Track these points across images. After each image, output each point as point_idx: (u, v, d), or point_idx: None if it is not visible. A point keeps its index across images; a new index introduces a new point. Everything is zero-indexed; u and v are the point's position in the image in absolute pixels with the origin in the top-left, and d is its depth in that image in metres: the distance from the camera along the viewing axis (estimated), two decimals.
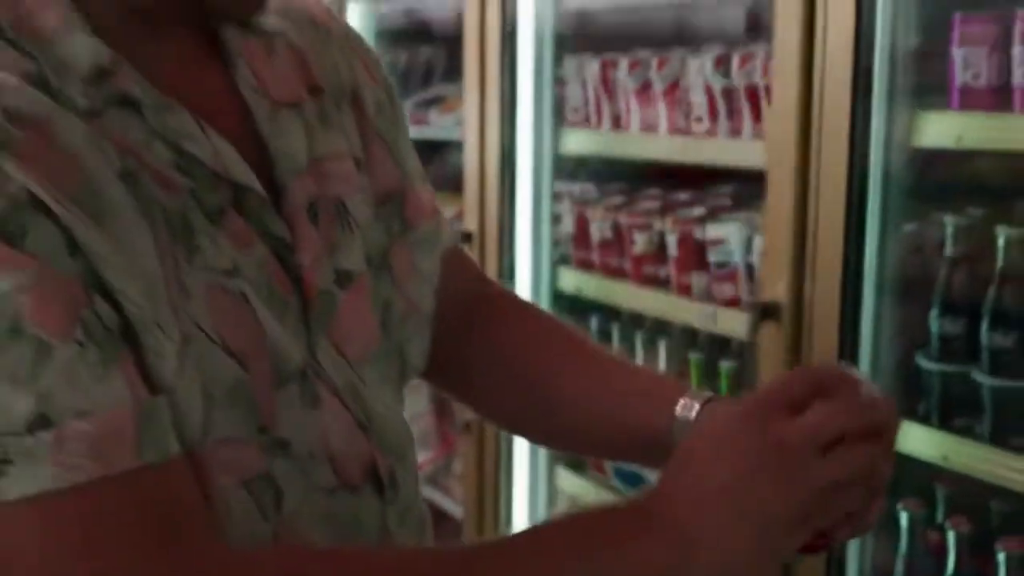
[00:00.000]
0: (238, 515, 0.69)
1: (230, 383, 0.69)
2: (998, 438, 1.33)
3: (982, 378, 1.34)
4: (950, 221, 1.37)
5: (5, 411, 0.58)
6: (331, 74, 0.85)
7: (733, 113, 1.71)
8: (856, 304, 1.38)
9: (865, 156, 1.36)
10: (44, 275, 0.59)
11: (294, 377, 0.73)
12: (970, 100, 1.33)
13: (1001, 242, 1.31)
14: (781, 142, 1.44)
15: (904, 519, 1.41)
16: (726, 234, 1.72)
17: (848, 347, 1.39)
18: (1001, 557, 1.29)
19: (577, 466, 2.16)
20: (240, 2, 0.73)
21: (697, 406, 0.84)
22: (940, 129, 1.35)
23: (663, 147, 1.87)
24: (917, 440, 1.39)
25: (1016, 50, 1.27)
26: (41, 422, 0.58)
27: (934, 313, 1.38)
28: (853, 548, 1.46)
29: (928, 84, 1.37)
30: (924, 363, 1.41)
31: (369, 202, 0.84)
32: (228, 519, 0.68)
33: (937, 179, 1.42)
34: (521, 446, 2.20)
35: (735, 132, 1.70)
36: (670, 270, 1.86)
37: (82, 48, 0.67)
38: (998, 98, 1.30)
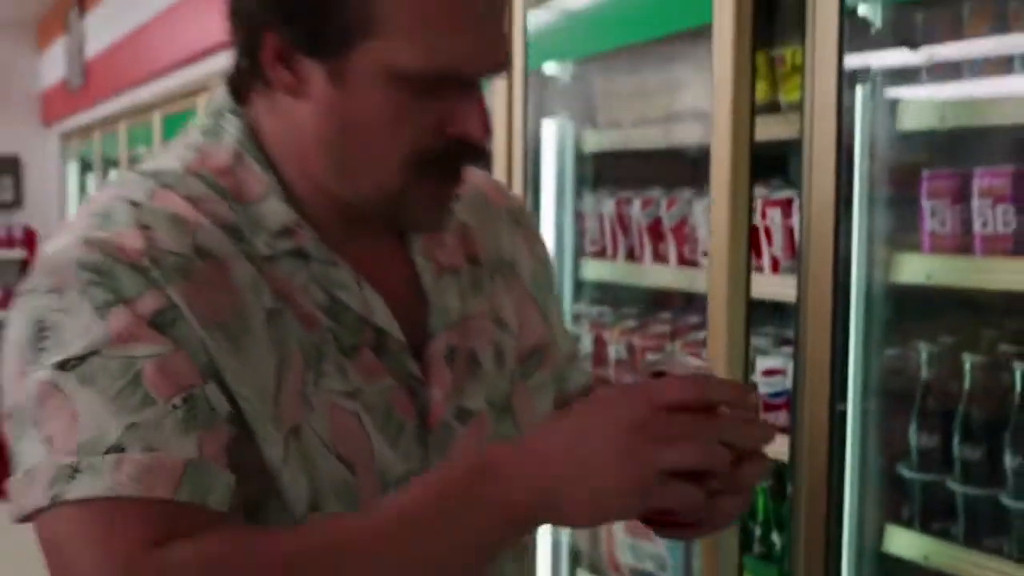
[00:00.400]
0: None
1: (339, 482, 0.90)
2: (971, 540, 1.51)
3: (955, 486, 1.52)
4: (924, 348, 1.57)
5: (97, 435, 0.81)
6: (492, 247, 1.08)
7: None
8: (843, 421, 1.57)
9: (848, 289, 1.56)
10: (172, 356, 0.84)
11: (395, 486, 0.92)
12: (937, 244, 1.54)
13: (967, 367, 1.51)
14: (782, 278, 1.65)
15: None
16: None
17: (836, 458, 1.57)
18: None
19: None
20: (431, 224, 0.97)
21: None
22: (913, 268, 1.56)
23: (673, 277, 2.09)
24: (900, 542, 1.56)
25: (974, 202, 1.49)
26: (116, 448, 0.81)
27: (912, 428, 1.57)
28: None
29: (902, 229, 1.58)
30: (905, 473, 1.59)
31: (509, 354, 1.05)
32: None
33: (912, 311, 1.62)
34: None
35: None
36: None
37: (274, 211, 0.93)
38: (961, 243, 1.51)
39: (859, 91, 1.55)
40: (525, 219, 1.17)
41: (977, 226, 1.49)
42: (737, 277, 1.66)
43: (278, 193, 0.94)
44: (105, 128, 6.40)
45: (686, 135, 2.04)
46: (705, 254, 1.99)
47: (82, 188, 7.52)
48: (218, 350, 0.86)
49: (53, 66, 7.96)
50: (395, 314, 0.96)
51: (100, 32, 6.36)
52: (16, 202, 8.44)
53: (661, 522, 0.88)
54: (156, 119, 5.17)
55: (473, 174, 1.04)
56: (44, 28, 8.28)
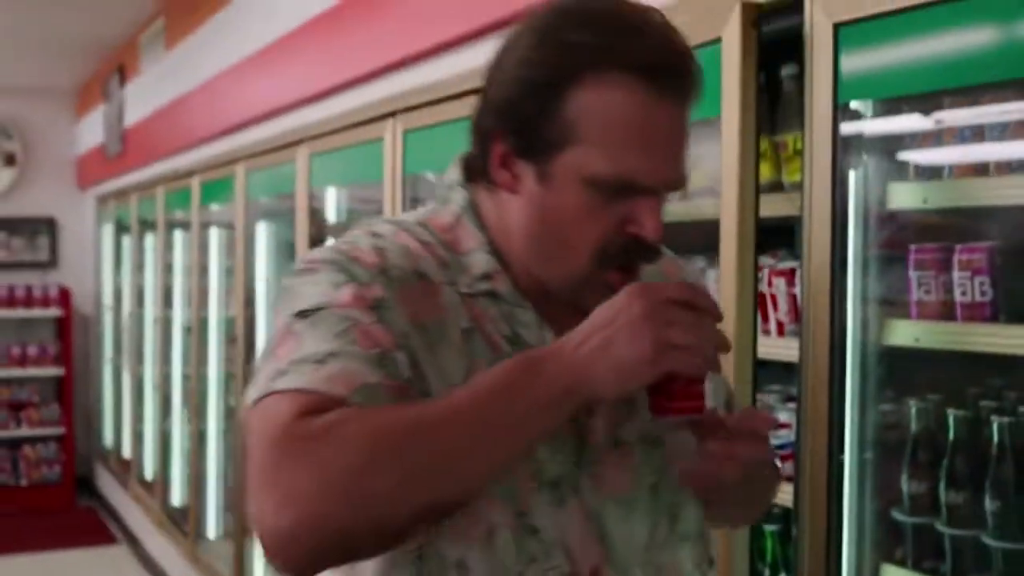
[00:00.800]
0: (498, 548, 1.13)
1: (494, 488, 1.13)
2: None
3: (943, 528, 1.69)
4: (913, 404, 1.75)
5: (309, 354, 1.07)
6: None
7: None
8: (841, 470, 1.75)
9: (844, 351, 1.74)
10: (377, 327, 1.10)
11: (547, 485, 1.16)
12: (923, 311, 1.72)
13: (951, 421, 1.69)
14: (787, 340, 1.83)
15: None
16: None
17: (836, 504, 1.74)
18: None
19: None
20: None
21: None
22: (903, 332, 1.74)
23: None
24: None
25: (955, 274, 1.67)
26: (318, 362, 1.06)
27: (904, 476, 1.75)
28: None
29: (892, 296, 1.77)
30: (898, 516, 1.76)
31: None
32: (491, 545, 1.13)
33: (903, 370, 1.80)
34: None
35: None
36: None
37: (479, 261, 1.20)
38: (944, 310, 1.70)
39: (852, 175, 1.75)
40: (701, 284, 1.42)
41: (958, 295, 1.67)
42: (744, 339, 1.84)
43: (485, 248, 1.21)
44: (142, 192, 6.64)
45: (702, 209, 2.22)
46: None
47: (117, 248, 7.75)
48: (416, 344, 1.13)
49: (90, 132, 8.24)
50: None
51: (139, 101, 6.63)
52: (52, 262, 8.69)
53: (669, 391, 1.09)
54: (195, 184, 5.39)
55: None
56: (83, 96, 8.58)
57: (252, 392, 1.09)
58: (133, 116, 6.78)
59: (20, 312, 8.28)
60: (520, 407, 1.05)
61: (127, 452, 7.36)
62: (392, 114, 3.13)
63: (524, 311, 1.20)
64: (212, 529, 5.48)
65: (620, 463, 1.22)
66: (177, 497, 6.11)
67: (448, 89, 2.80)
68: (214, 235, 5.46)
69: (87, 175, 8.50)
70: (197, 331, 5.55)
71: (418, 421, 1.04)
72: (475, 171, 1.23)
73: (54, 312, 8.38)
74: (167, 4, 5.83)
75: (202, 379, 5.53)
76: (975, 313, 1.66)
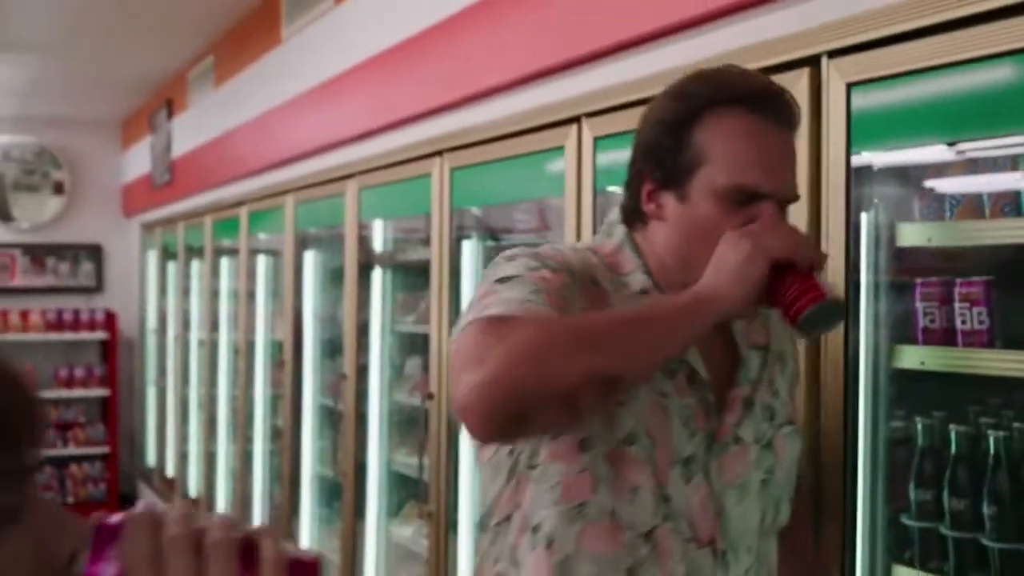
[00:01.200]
0: (639, 504, 1.46)
1: (646, 447, 1.44)
2: (960, 575, 1.87)
3: (946, 532, 1.89)
4: (919, 420, 1.95)
5: (510, 296, 1.38)
6: (776, 340, 1.63)
7: None
8: (853, 480, 1.96)
9: (857, 373, 1.96)
10: (560, 299, 1.42)
11: (680, 463, 1.46)
12: (928, 337, 1.93)
13: (953, 436, 1.89)
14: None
15: None
16: None
17: (850, 511, 1.95)
18: None
19: None
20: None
21: None
22: (910, 357, 1.95)
23: None
24: None
25: (956, 305, 1.88)
26: (518, 301, 1.38)
27: (912, 485, 1.95)
28: None
29: (901, 324, 1.98)
30: (906, 521, 1.97)
31: (779, 414, 1.61)
32: (634, 502, 1.46)
33: (910, 391, 2.01)
34: None
35: None
36: None
37: (637, 280, 1.53)
38: (946, 336, 1.91)
39: (864, 217, 1.97)
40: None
41: (959, 323, 1.88)
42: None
43: (642, 270, 1.55)
44: (189, 220, 6.91)
45: None
46: None
47: (162, 274, 8.03)
48: None
49: (135, 162, 8.54)
50: (710, 365, 1.51)
51: (187, 134, 6.91)
52: (98, 287, 8.98)
53: (787, 289, 1.41)
54: (243, 213, 5.65)
55: None
56: (128, 128, 8.89)
57: (456, 329, 1.40)
58: (180, 148, 7.06)
59: (67, 335, 8.56)
60: (665, 311, 1.42)
61: (171, 471, 7.61)
62: (440, 152, 3.37)
63: None
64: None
65: (739, 457, 1.53)
66: (193, 489, 6.33)
67: (492, 131, 3.04)
68: (261, 262, 5.71)
69: (132, 203, 8.80)
70: (244, 354, 5.79)
71: (589, 318, 1.41)
72: (629, 215, 1.58)
73: (100, 335, 8.65)
74: (216, 44, 6.11)
75: (248, 400, 5.77)
76: (974, 339, 1.86)
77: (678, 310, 1.40)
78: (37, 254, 8.84)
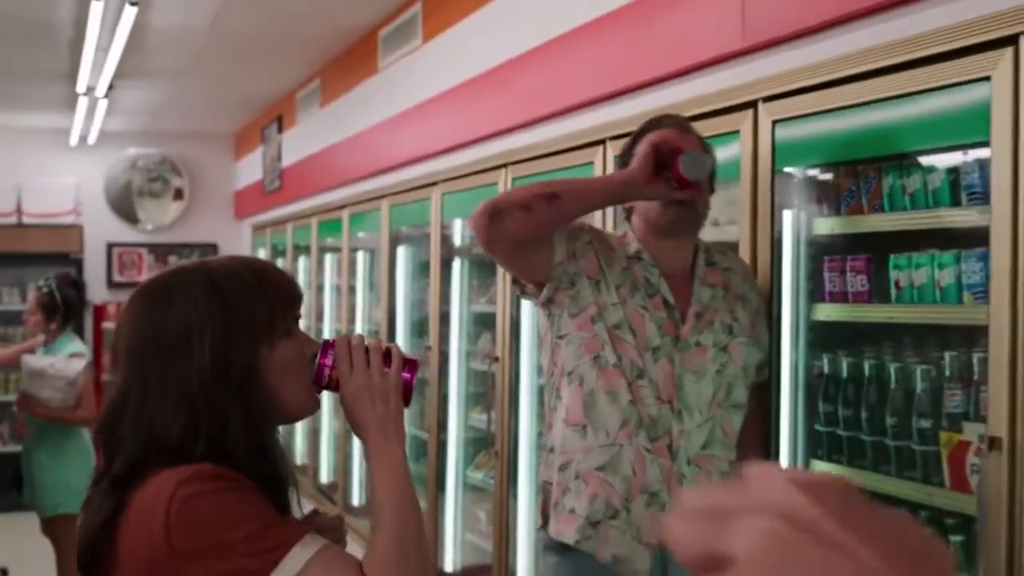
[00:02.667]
0: (625, 366, 2.39)
1: (629, 334, 2.39)
2: (856, 465, 2.70)
3: (841, 433, 2.71)
4: (825, 356, 2.78)
5: None
6: (739, 288, 2.53)
7: None
8: (778, 400, 2.79)
9: (780, 324, 2.79)
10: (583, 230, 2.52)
11: (650, 349, 2.40)
12: (832, 298, 2.76)
13: (845, 366, 2.71)
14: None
15: None
16: None
17: (774, 424, 2.78)
18: None
19: None
20: (687, 225, 2.50)
21: None
22: (821, 312, 2.78)
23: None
24: (818, 470, 2.76)
25: (847, 275, 2.71)
26: None
27: (820, 401, 2.78)
28: None
29: (815, 290, 2.81)
30: (818, 428, 2.79)
31: (737, 329, 2.53)
32: (620, 364, 2.41)
33: (823, 336, 2.84)
34: None
35: None
36: None
37: (635, 248, 2.47)
38: (843, 297, 2.73)
39: (788, 213, 2.80)
40: (752, 277, 2.70)
41: (849, 287, 2.71)
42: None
43: (636, 241, 2.53)
44: (297, 221, 7.91)
45: (728, 233, 3.28)
46: None
47: None
48: (603, 260, 2.47)
49: (247, 171, 9.60)
50: (677, 297, 2.44)
51: (295, 146, 7.91)
52: None
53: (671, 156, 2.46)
54: (345, 215, 6.60)
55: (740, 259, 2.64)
56: (240, 140, 9.96)
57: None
58: (290, 158, 8.06)
59: None
60: (597, 183, 2.63)
61: (300, 458, 8.58)
62: (504, 165, 4.26)
63: (650, 268, 2.47)
64: (356, 498, 6.64)
65: (698, 354, 2.45)
66: (325, 475, 7.30)
67: (546, 148, 3.92)
68: (360, 258, 6.65)
69: (244, 207, 9.85)
70: None
71: (554, 181, 2.50)
72: (627, 213, 2.62)
73: None
74: (322, 70, 7.09)
75: None
76: (859, 298, 2.69)
77: (605, 184, 2.49)
78: (160, 253, 9.93)
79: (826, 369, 2.79)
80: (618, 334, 2.43)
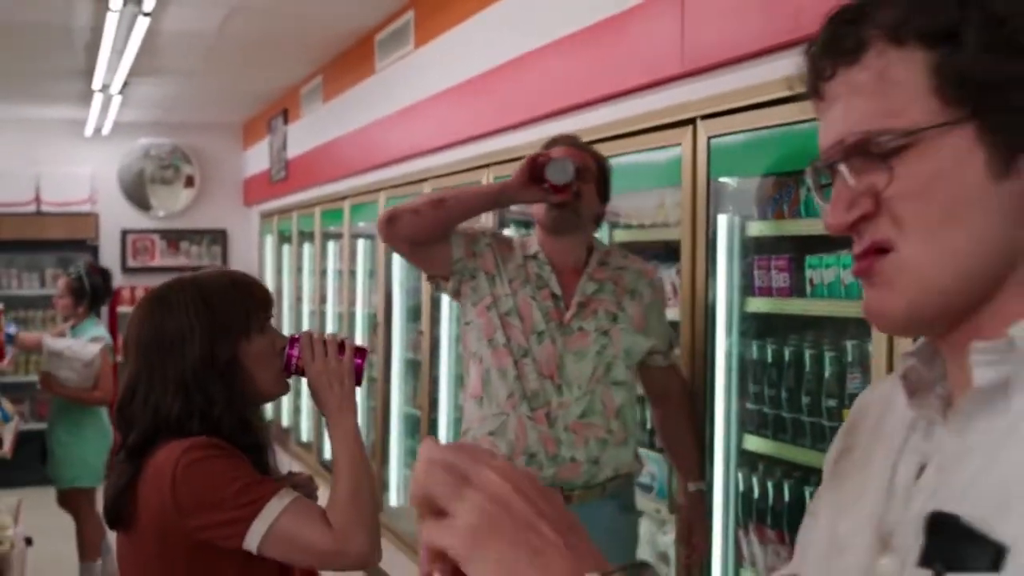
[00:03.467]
0: (513, 347, 2.83)
1: (518, 319, 2.81)
2: (781, 439, 3.08)
3: (768, 411, 3.09)
4: (754, 343, 3.16)
5: None
6: (632, 283, 2.92)
7: None
8: (713, 381, 3.17)
9: (715, 316, 3.17)
10: (481, 234, 2.97)
11: (536, 333, 2.81)
12: (761, 292, 3.14)
13: (770, 352, 3.10)
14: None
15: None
16: None
17: (710, 399, 3.17)
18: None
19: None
20: (567, 225, 2.87)
21: None
22: (752, 304, 3.16)
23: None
24: (751, 443, 3.15)
25: (772, 272, 3.09)
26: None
27: (751, 384, 3.16)
28: None
29: (747, 285, 3.18)
30: (749, 406, 3.18)
31: (622, 319, 2.90)
32: (509, 345, 2.86)
33: (755, 326, 3.22)
34: None
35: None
36: None
37: (534, 249, 2.93)
38: (769, 291, 3.11)
39: (723, 218, 3.18)
40: (649, 273, 3.04)
41: (775, 283, 3.09)
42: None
43: (536, 243, 2.94)
44: (302, 210, 8.30)
45: (664, 234, 3.66)
46: None
47: (278, 255, 9.45)
48: (499, 258, 2.87)
49: (254, 160, 9.99)
50: (566, 286, 2.84)
51: (300, 138, 8.30)
52: (224, 266, 10.47)
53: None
54: (346, 206, 6.99)
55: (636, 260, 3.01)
56: (248, 130, 10.35)
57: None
58: (295, 150, 8.45)
59: None
60: (479, 192, 3.03)
61: (286, 421, 9.03)
62: (487, 165, 4.64)
63: (544, 265, 2.88)
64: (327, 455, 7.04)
65: (580, 338, 2.83)
66: (328, 452, 7.72)
67: (522, 152, 4.29)
68: (360, 246, 7.05)
69: (252, 195, 10.25)
70: (347, 321, 7.15)
71: (445, 192, 2.83)
72: (531, 222, 2.91)
73: None
74: (324, 68, 7.47)
75: None
76: (783, 293, 3.07)
77: (486, 190, 2.93)
78: (172, 238, 10.35)
79: (755, 355, 3.17)
80: (508, 320, 2.86)
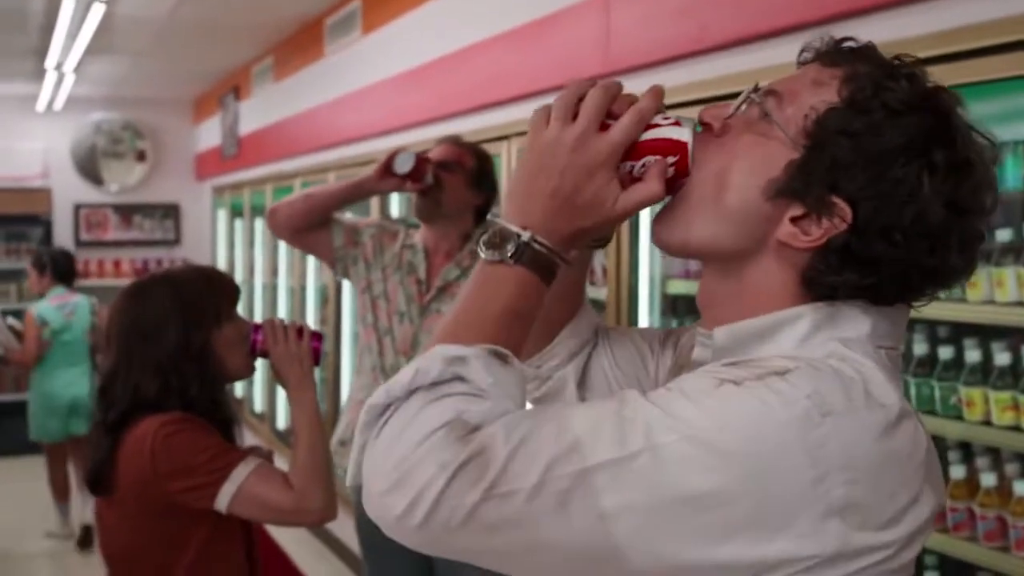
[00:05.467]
0: (378, 326, 3.18)
1: (384, 302, 3.17)
2: None
3: None
4: (674, 321, 3.46)
5: None
6: None
7: None
8: None
9: (637, 296, 3.46)
10: (366, 225, 3.29)
11: (398, 313, 3.13)
12: (689, 275, 3.43)
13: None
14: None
15: None
16: None
17: None
18: None
19: None
20: (429, 213, 3.17)
21: None
22: (674, 286, 3.45)
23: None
24: None
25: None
26: None
27: None
28: None
29: (668, 267, 3.48)
30: None
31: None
32: (376, 325, 3.21)
33: (677, 307, 3.52)
34: None
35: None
36: None
37: (416, 237, 3.17)
38: (688, 274, 3.40)
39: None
40: None
41: (693, 266, 3.38)
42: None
43: (418, 236, 3.21)
44: (254, 186, 8.50)
45: None
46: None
47: (231, 229, 9.64)
48: (378, 247, 3.15)
49: (206, 135, 10.15)
50: (432, 274, 3.12)
51: (251, 116, 8.48)
52: (176, 240, 10.62)
53: None
54: (297, 183, 7.20)
55: None
56: (199, 106, 10.50)
57: None
58: (246, 127, 8.63)
59: None
60: (346, 186, 3.33)
61: (239, 392, 9.26)
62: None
63: (418, 253, 3.17)
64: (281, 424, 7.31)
65: (436, 319, 3.05)
66: (281, 423, 7.98)
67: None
68: None
69: (204, 170, 10.41)
70: (299, 294, 7.40)
71: (320, 188, 3.22)
72: None
73: None
74: (274, 49, 7.66)
75: None
76: (698, 276, 3.36)
77: (347, 184, 3.20)
78: (125, 212, 10.49)
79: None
80: (377, 302, 3.22)
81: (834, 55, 1.11)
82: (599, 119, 1.07)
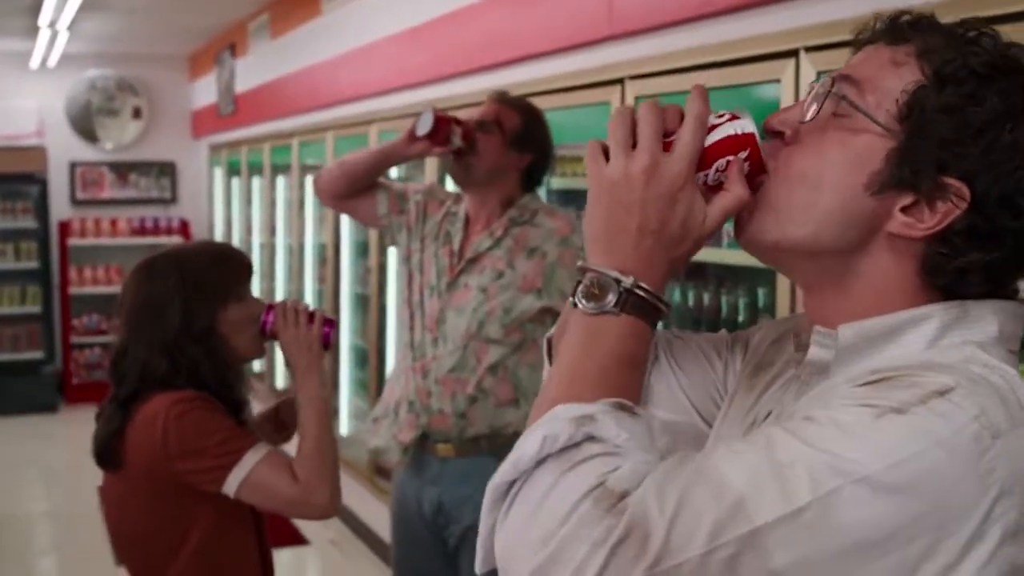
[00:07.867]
0: (412, 298, 3.08)
1: (419, 274, 3.06)
2: None
3: None
4: (685, 290, 3.44)
5: None
6: (539, 243, 2.98)
7: None
8: None
9: None
10: (415, 190, 3.25)
11: (429, 287, 3.01)
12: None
13: (687, 293, 3.38)
14: None
15: None
16: None
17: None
18: None
19: None
20: (463, 178, 3.03)
21: None
22: None
23: None
24: None
25: None
26: None
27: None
28: None
29: None
30: None
31: (507, 275, 2.97)
32: (412, 307, 3.11)
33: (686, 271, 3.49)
34: None
35: None
36: None
37: (461, 205, 3.08)
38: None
39: None
40: (572, 242, 3.04)
41: None
42: None
43: (463, 204, 3.07)
44: (251, 144, 8.44)
45: None
46: None
47: (228, 188, 9.58)
48: (422, 215, 3.11)
49: (203, 92, 10.05)
50: (467, 244, 2.99)
51: (248, 74, 8.40)
52: (173, 199, 10.56)
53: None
54: (295, 143, 7.15)
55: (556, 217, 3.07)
56: (195, 62, 10.39)
57: None
58: (243, 85, 8.55)
59: (148, 240, 9.99)
60: (380, 152, 3.58)
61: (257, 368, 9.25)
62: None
63: (457, 220, 3.04)
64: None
65: (463, 294, 2.97)
66: (280, 382, 7.99)
67: (460, 101, 4.51)
68: (309, 181, 7.21)
69: (200, 127, 10.33)
70: (297, 253, 7.36)
71: (356, 154, 3.14)
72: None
73: (176, 239, 10.22)
74: (270, 5, 7.57)
75: (300, 290, 7.35)
76: None
77: (378, 149, 3.07)
78: (121, 171, 10.41)
79: (679, 299, 3.46)
80: (413, 274, 3.08)
81: (898, 31, 1.06)
82: (660, 141, 1.03)
